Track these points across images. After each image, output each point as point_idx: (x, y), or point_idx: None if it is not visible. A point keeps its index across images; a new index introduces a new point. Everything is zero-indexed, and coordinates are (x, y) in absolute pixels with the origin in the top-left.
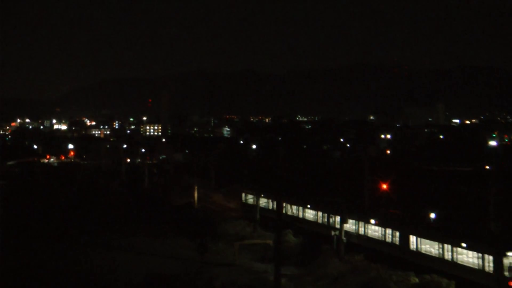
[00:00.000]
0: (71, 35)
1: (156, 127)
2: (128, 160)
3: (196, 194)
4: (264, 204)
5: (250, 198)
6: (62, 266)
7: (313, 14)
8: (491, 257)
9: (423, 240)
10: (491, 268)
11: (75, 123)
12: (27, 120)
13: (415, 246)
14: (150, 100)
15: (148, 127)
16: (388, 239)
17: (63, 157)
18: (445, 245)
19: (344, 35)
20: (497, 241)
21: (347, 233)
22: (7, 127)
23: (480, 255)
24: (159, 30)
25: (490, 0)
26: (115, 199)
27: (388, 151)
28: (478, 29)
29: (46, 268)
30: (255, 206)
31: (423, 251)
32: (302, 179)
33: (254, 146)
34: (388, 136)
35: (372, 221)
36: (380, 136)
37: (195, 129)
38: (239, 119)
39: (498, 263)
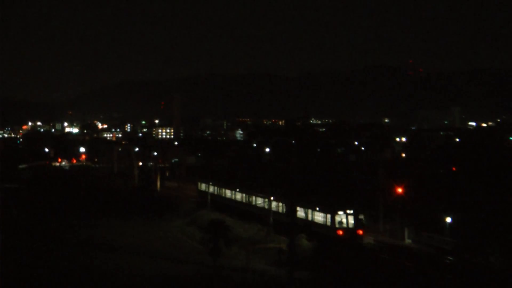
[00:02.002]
0: (83, 37)
1: (168, 130)
2: (140, 163)
3: (209, 198)
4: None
5: (204, 187)
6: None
7: (326, 16)
8: (329, 215)
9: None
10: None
11: (87, 126)
12: (39, 123)
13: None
14: (162, 103)
15: (160, 130)
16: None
17: (74, 161)
18: (309, 210)
19: (358, 37)
20: (332, 206)
21: None
22: (19, 130)
23: (324, 214)
24: (171, 32)
25: (506, 2)
26: (127, 203)
27: (403, 154)
28: (493, 31)
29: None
30: (208, 192)
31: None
32: (316, 182)
33: (267, 149)
34: (403, 139)
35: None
36: (395, 139)
37: (208, 132)
38: (252, 122)
39: (332, 218)
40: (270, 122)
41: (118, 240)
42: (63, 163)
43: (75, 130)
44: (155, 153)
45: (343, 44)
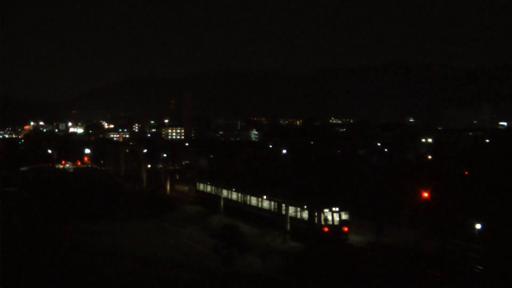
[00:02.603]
0: (87, 33)
1: (178, 131)
2: (149, 165)
3: (222, 203)
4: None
5: (202, 187)
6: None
7: (345, 12)
8: (316, 213)
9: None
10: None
11: (92, 126)
12: (41, 123)
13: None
14: (172, 102)
15: (170, 131)
16: None
17: (79, 163)
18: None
19: (378, 33)
20: (319, 204)
21: None
22: (20, 131)
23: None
24: (180, 28)
25: None
26: (135, 207)
27: (430, 156)
28: None
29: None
30: (207, 192)
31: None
32: (335, 186)
33: (284, 151)
34: (429, 140)
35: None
36: (420, 140)
37: (221, 132)
38: (267, 122)
39: (319, 216)
40: (287, 121)
41: (127, 247)
42: (67, 165)
43: (79, 130)
44: (165, 155)
45: (363, 40)
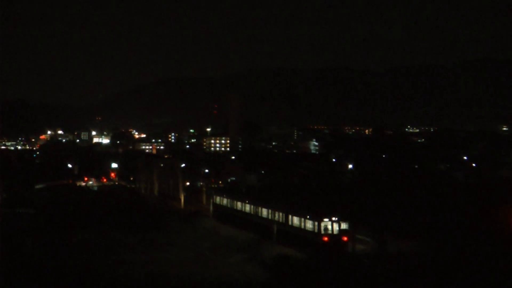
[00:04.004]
0: (111, 30)
1: (223, 141)
2: (188, 183)
3: (275, 228)
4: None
5: (218, 200)
6: None
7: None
8: (316, 222)
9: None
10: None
11: (120, 136)
12: (60, 132)
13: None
14: (215, 106)
15: (213, 141)
16: None
17: (104, 179)
18: (302, 218)
19: (458, 26)
20: (319, 214)
21: None
22: (34, 141)
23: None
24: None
25: None
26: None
27: None
28: None
29: None
30: (223, 206)
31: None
32: (412, 208)
33: (350, 166)
34: None
35: None
36: None
37: (274, 143)
38: (330, 130)
39: (318, 225)
40: (353, 130)
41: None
42: (90, 182)
43: (105, 141)
44: (207, 170)
45: (441, 34)
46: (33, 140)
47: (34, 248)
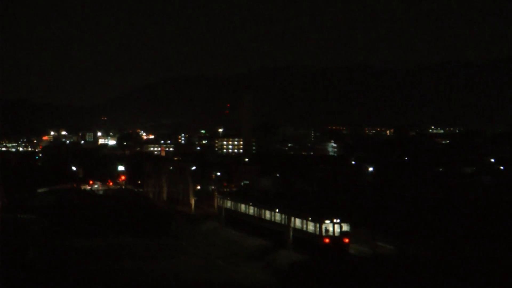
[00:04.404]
0: (118, 26)
1: (236, 142)
2: (199, 187)
3: (291, 234)
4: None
5: (220, 201)
6: None
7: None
8: (318, 224)
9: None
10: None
11: (127, 137)
12: (63, 133)
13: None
14: (228, 106)
15: (225, 142)
16: None
17: (110, 183)
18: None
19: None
20: (320, 216)
21: None
22: (37, 142)
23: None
24: (238, 18)
25: None
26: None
27: None
28: None
29: None
30: (229, 209)
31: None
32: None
33: (370, 169)
34: None
35: None
36: None
37: (289, 144)
38: (348, 132)
39: (320, 227)
40: (373, 131)
41: None
42: (96, 186)
43: (111, 142)
44: (218, 173)
45: (469, 30)
46: (35, 141)
47: (35, 256)
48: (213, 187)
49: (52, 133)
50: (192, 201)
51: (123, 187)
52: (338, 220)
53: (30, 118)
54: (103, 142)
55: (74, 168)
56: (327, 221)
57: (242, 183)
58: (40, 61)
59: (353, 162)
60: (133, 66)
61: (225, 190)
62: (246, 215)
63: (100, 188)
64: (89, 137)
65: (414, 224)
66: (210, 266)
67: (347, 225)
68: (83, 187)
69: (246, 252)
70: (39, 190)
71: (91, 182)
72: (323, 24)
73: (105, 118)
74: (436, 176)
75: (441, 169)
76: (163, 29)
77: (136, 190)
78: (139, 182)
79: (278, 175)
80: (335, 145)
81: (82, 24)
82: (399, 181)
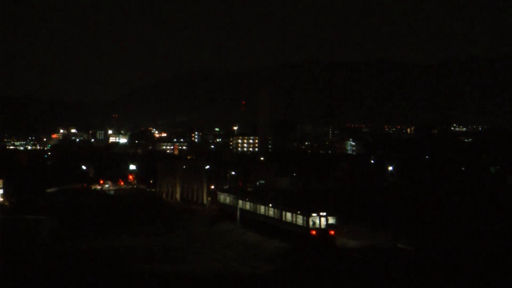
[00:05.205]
0: (130, 20)
1: (251, 141)
2: (213, 186)
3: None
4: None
5: (222, 198)
6: None
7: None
8: (305, 217)
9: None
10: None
11: (139, 135)
12: (73, 131)
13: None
14: (243, 103)
15: (240, 141)
16: None
17: (122, 182)
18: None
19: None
20: (308, 209)
21: None
22: (46, 140)
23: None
24: (253, 13)
25: None
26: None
27: None
28: None
29: None
30: (228, 205)
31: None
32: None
33: (390, 168)
34: None
35: None
36: None
37: (307, 143)
38: (368, 129)
39: (307, 220)
40: (393, 129)
41: None
42: (107, 185)
43: (122, 140)
44: (233, 173)
45: (492, 25)
46: (44, 139)
47: (44, 257)
48: (227, 186)
49: (61, 131)
50: (206, 201)
51: (135, 186)
52: (325, 214)
53: (39, 116)
54: (114, 140)
55: (84, 167)
56: (314, 214)
57: (257, 183)
58: (50, 57)
59: (372, 161)
60: (145, 62)
61: (241, 189)
62: (263, 216)
63: (111, 187)
64: (99, 135)
65: (437, 225)
66: (225, 269)
67: (333, 218)
68: (93, 187)
69: (263, 254)
70: (49, 190)
71: (101, 181)
72: (344, 20)
73: (116, 116)
74: (460, 176)
75: (464, 169)
76: (176, 24)
77: (148, 189)
78: (152, 181)
79: (295, 174)
80: (354, 143)
81: (94, 20)
82: (421, 180)
